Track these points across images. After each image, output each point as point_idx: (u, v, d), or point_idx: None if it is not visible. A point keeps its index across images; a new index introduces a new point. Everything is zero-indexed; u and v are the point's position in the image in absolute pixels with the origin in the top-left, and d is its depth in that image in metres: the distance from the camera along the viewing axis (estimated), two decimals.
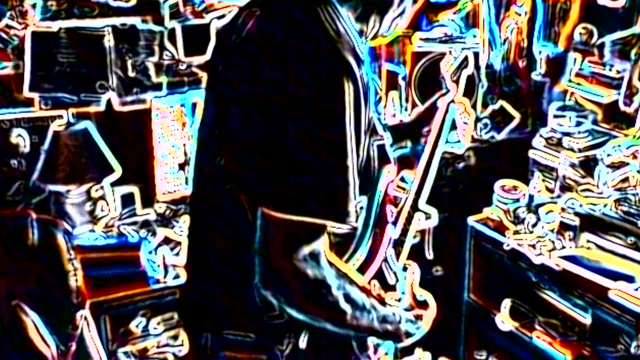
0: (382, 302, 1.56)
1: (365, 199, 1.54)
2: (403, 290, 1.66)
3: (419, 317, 1.64)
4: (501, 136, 3.20)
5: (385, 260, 1.65)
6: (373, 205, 1.59)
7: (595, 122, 2.96)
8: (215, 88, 1.57)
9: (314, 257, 1.37)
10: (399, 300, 1.65)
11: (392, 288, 1.66)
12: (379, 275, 1.64)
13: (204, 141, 1.59)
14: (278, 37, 1.39)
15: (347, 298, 1.44)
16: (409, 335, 1.60)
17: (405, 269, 1.68)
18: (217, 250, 1.53)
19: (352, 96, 1.34)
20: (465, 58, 1.86)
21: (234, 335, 1.52)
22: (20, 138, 2.73)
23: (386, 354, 1.65)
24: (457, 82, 1.84)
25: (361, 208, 1.53)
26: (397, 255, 1.68)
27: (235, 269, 1.48)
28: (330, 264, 1.42)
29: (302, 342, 1.50)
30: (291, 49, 1.36)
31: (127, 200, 2.89)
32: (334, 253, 1.48)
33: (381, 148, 1.56)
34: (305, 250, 1.36)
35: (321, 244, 1.39)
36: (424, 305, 1.67)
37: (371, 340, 1.60)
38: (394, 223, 1.69)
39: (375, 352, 1.62)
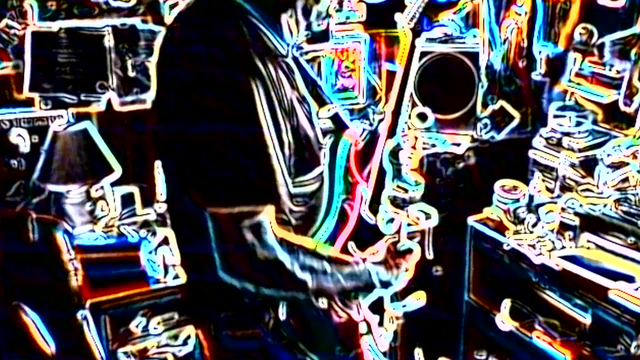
0: (347, 262, 1.63)
1: (325, 168, 1.62)
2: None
3: (397, 266, 1.71)
4: (501, 136, 3.20)
5: (361, 218, 1.71)
6: (335, 170, 1.67)
7: (595, 122, 2.96)
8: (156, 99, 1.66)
9: (261, 240, 1.48)
10: (374, 254, 1.71)
11: (371, 244, 1.72)
12: (355, 236, 1.71)
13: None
14: (194, 44, 1.49)
15: (304, 268, 1.53)
16: (387, 284, 1.69)
17: (392, 220, 1.75)
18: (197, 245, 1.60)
19: (262, 95, 1.47)
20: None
21: (229, 316, 1.63)
22: (20, 138, 2.72)
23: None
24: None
25: (321, 173, 1.61)
26: (374, 212, 1.73)
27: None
28: (281, 241, 1.51)
29: (282, 315, 1.61)
30: (206, 54, 1.46)
31: (127, 200, 2.88)
32: (300, 226, 1.59)
33: (335, 116, 1.68)
34: (249, 236, 1.47)
35: (266, 227, 1.48)
36: (407, 253, 1.74)
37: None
38: (366, 180, 1.75)
39: (360, 306, 1.71)
